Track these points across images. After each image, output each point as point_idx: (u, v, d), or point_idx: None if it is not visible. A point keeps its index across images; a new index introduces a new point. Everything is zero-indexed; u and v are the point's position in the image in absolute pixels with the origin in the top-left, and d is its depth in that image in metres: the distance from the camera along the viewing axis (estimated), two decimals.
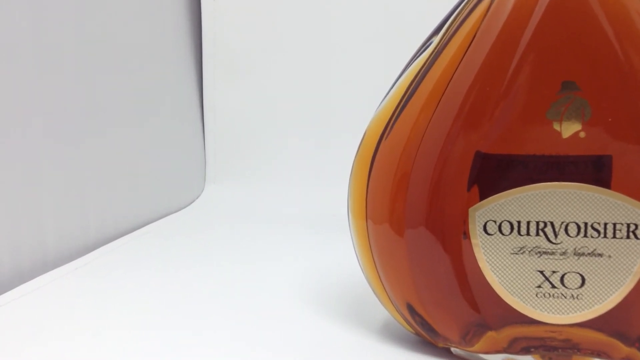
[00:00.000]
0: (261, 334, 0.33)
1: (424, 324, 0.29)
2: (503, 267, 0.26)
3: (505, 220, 0.26)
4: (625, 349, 0.26)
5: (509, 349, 0.28)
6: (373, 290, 0.31)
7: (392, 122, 0.28)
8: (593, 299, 0.26)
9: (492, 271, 0.26)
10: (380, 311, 0.34)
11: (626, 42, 0.25)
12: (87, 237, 0.53)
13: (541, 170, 0.26)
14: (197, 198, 0.75)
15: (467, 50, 0.27)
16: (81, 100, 0.53)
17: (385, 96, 0.30)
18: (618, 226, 0.25)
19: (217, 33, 0.73)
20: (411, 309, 0.29)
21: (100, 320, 0.35)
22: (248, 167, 0.74)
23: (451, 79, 0.27)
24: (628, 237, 0.25)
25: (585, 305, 0.26)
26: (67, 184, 0.51)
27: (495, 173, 0.26)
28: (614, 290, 0.25)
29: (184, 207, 0.72)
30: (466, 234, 0.27)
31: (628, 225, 0.25)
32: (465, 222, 0.27)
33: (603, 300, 0.26)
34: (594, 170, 0.25)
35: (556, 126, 0.25)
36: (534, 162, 0.26)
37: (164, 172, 0.68)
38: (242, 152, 0.74)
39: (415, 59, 0.29)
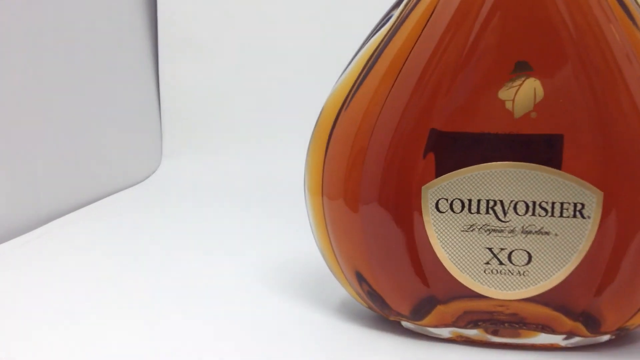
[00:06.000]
0: (217, 314, 0.33)
1: (375, 297, 0.29)
2: (453, 244, 0.27)
3: (456, 198, 0.27)
4: (569, 323, 0.27)
5: (456, 322, 0.28)
6: (329, 267, 0.31)
7: (350, 97, 0.28)
8: (539, 275, 0.26)
9: (443, 248, 0.27)
10: (339, 289, 0.34)
11: (580, 23, 0.25)
12: (37, 211, 0.52)
13: (494, 149, 0.26)
14: (153, 173, 0.74)
15: (425, 26, 0.27)
16: (35, 73, 0.52)
17: (344, 71, 0.30)
18: (565, 205, 0.26)
19: (173, 8, 0.72)
20: (360, 277, 0.29)
21: (45, 298, 0.35)
22: (205, 142, 0.73)
23: (409, 54, 0.27)
24: (575, 216, 0.26)
25: (531, 281, 0.26)
26: (17, 157, 0.50)
27: (449, 150, 0.26)
28: (559, 267, 0.26)
29: (140, 182, 0.71)
30: (419, 212, 0.27)
31: (575, 205, 0.26)
32: (418, 198, 0.27)
33: (549, 277, 0.26)
34: (545, 150, 0.26)
35: (508, 106, 0.26)
36: (486, 140, 0.26)
37: (118, 146, 0.67)
38: (200, 127, 0.74)
39: (375, 33, 0.29)
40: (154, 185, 0.70)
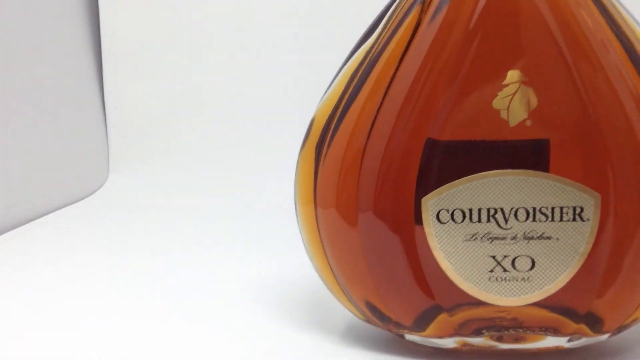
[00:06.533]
0: (206, 346, 0.31)
1: (376, 311, 0.29)
2: (456, 254, 0.27)
3: (457, 208, 0.27)
4: (574, 326, 0.27)
5: (459, 331, 0.28)
6: (322, 279, 0.30)
7: (342, 105, 0.28)
8: (543, 280, 0.27)
9: (446, 258, 0.27)
10: (340, 312, 0.33)
11: (567, 34, 0.26)
12: None
13: (490, 156, 0.26)
14: (99, 188, 0.72)
15: (414, 33, 0.27)
16: None
17: (333, 80, 0.30)
18: (565, 209, 0.26)
19: (116, 19, 0.70)
20: (368, 303, 0.29)
21: None
22: (154, 155, 0.71)
23: (400, 63, 0.27)
24: (574, 219, 0.26)
25: (536, 286, 0.27)
26: None
27: (446, 160, 0.26)
28: (562, 271, 0.27)
29: (85, 198, 0.68)
30: (418, 221, 0.27)
31: (574, 208, 0.26)
32: (417, 209, 0.27)
33: (552, 281, 0.27)
34: (540, 155, 0.26)
35: (503, 115, 0.26)
36: (482, 148, 0.26)
37: (61, 160, 0.65)
38: (148, 139, 0.72)
39: (364, 42, 0.29)
40: (100, 201, 0.68)
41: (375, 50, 0.28)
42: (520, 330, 0.28)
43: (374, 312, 0.29)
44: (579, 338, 0.28)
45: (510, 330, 0.28)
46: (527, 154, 0.26)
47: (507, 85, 0.26)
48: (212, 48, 0.71)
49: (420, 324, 0.28)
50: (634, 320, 0.28)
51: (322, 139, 0.29)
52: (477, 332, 0.28)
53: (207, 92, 0.71)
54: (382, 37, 0.28)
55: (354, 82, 0.28)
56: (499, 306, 0.27)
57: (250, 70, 0.70)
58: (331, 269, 0.29)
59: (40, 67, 0.60)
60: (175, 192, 0.68)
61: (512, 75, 0.26)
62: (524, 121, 0.26)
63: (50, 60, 0.62)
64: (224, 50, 0.70)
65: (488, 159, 0.26)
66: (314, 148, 0.29)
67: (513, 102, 0.26)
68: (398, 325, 0.29)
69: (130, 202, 0.67)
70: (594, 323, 0.27)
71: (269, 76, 0.69)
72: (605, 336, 0.28)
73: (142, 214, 0.61)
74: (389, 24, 0.28)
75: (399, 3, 0.29)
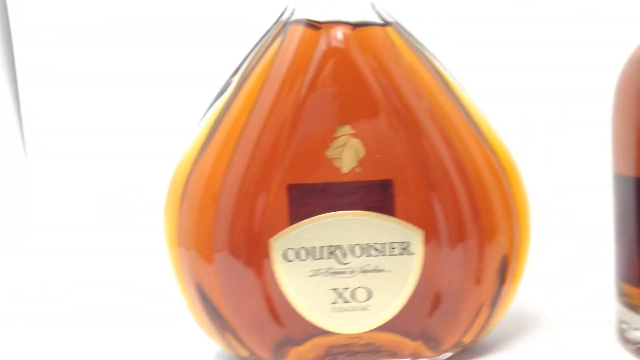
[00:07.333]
0: None
1: (239, 340, 0.32)
2: (302, 288, 0.30)
3: (301, 247, 0.30)
4: (411, 344, 0.31)
5: (316, 359, 0.31)
6: (193, 317, 0.33)
7: (202, 150, 0.31)
8: (380, 308, 0.30)
9: (294, 293, 0.30)
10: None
11: (387, 87, 0.29)
12: None
13: (332, 197, 0.29)
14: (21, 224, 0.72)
15: (264, 83, 0.30)
16: None
17: (196, 130, 0.33)
18: (394, 245, 0.29)
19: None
20: (231, 340, 0.31)
21: None
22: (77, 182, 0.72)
23: (250, 114, 0.30)
24: (402, 253, 0.29)
25: (374, 314, 0.30)
26: None
27: (291, 201, 0.30)
28: (395, 299, 0.30)
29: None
30: (268, 260, 0.30)
31: (401, 244, 0.29)
32: (266, 248, 0.30)
33: (388, 308, 0.30)
34: (373, 196, 0.30)
35: (336, 163, 0.29)
36: (324, 190, 0.29)
37: None
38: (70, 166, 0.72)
39: (220, 97, 0.32)
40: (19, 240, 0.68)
41: (227, 104, 0.31)
42: (369, 355, 0.31)
43: (241, 346, 0.32)
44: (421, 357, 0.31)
45: (361, 354, 0.31)
46: (369, 194, 0.30)
47: (337, 137, 0.29)
48: (138, 77, 0.72)
49: (278, 356, 0.31)
50: (471, 341, 0.32)
51: (186, 185, 0.32)
52: (332, 358, 0.31)
53: (137, 122, 0.72)
54: (234, 91, 0.31)
55: (211, 133, 0.31)
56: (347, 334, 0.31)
57: (176, 103, 0.71)
58: (195, 306, 0.32)
59: None
60: (104, 229, 0.68)
61: (341, 129, 0.29)
62: (354, 168, 0.29)
63: None
64: (151, 79, 0.72)
65: (328, 200, 0.30)
66: (179, 194, 0.32)
67: (343, 152, 0.29)
68: (260, 359, 0.32)
69: (52, 244, 0.67)
70: (431, 342, 0.31)
71: (188, 109, 0.71)
72: (446, 355, 0.32)
73: (65, 258, 0.61)
74: (243, 75, 0.31)
75: (253, 58, 0.32)
